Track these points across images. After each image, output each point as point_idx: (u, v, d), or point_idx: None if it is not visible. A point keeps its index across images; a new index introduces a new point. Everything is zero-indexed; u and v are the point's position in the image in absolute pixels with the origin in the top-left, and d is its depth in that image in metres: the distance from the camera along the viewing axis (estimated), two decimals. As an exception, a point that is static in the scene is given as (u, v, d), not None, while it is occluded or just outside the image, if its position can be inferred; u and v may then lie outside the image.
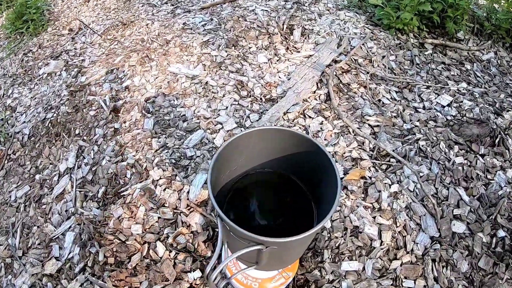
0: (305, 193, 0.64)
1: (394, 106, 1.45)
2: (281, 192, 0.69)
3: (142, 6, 2.30)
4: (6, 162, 1.55)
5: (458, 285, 0.91)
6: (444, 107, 1.46)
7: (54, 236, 1.19)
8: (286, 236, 0.57)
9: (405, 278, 0.91)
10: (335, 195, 0.50)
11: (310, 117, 1.39)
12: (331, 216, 0.48)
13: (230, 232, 0.51)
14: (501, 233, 1.03)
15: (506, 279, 0.93)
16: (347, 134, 1.30)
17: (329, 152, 1.22)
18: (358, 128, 1.33)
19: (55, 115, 1.60)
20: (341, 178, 1.12)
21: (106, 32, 2.09)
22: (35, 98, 1.80)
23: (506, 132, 1.32)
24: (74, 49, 2.05)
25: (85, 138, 1.45)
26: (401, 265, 0.93)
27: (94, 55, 1.93)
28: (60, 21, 2.51)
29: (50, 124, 1.57)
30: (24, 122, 1.68)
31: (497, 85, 1.65)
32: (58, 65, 1.93)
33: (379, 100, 1.48)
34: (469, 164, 1.22)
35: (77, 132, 1.49)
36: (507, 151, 1.25)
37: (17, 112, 1.77)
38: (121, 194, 1.17)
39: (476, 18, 1.98)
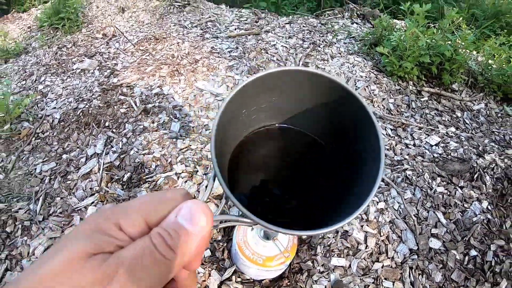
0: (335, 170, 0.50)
1: (388, 140, 1.70)
2: (302, 154, 0.56)
3: (174, 25, 2.61)
4: (33, 139, 1.74)
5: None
6: (432, 146, 1.70)
7: (77, 207, 1.38)
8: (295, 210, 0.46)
9: (385, 279, 1.11)
10: (374, 177, 0.35)
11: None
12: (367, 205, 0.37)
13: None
14: (473, 252, 1.23)
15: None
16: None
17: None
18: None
19: (86, 106, 1.82)
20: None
21: (139, 43, 2.36)
22: (67, 89, 2.02)
23: (484, 171, 1.53)
24: (108, 53, 2.30)
25: (114, 130, 1.67)
26: (382, 267, 1.14)
27: (126, 61, 2.19)
28: (93, 25, 2.79)
29: (81, 113, 1.78)
30: (55, 108, 1.89)
31: (483, 132, 1.90)
32: (92, 64, 2.17)
33: (375, 138, 1.75)
34: (448, 193, 1.43)
35: (106, 124, 1.71)
36: (484, 185, 1.47)
37: (48, 98, 1.98)
38: (146, 180, 1.38)
39: (471, 72, 2.26)
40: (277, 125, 0.55)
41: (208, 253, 1.15)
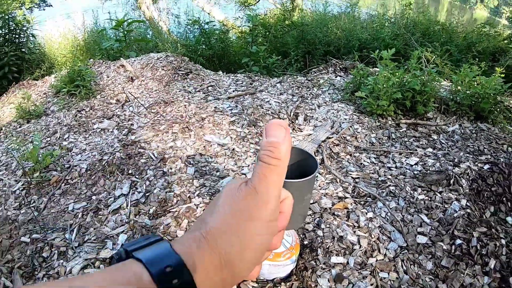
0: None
1: (372, 166, 2.07)
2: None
3: (179, 91, 3.12)
4: (63, 185, 2.09)
5: (425, 277, 1.36)
6: (412, 165, 2.05)
7: (110, 235, 1.69)
8: None
9: (381, 270, 1.39)
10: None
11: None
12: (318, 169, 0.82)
13: None
14: (458, 241, 1.44)
15: (467, 274, 1.35)
16: (335, 183, 1.91)
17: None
18: (343, 178, 1.94)
19: (110, 158, 2.21)
20: (330, 208, 1.70)
21: (151, 107, 2.84)
22: (90, 145, 2.43)
23: (460, 176, 1.81)
24: (124, 115, 2.76)
25: (137, 176, 2.04)
26: (376, 261, 1.42)
27: (141, 122, 2.64)
28: (106, 92, 3.30)
29: (106, 163, 2.17)
30: (80, 160, 2.27)
31: (459, 147, 2.23)
32: (110, 124, 2.61)
33: (361, 163, 2.12)
34: (429, 199, 1.72)
35: (130, 172, 2.08)
36: (460, 187, 1.76)
37: (73, 152, 2.37)
38: (170, 210, 1.72)
39: (443, 100, 2.66)
40: None
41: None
